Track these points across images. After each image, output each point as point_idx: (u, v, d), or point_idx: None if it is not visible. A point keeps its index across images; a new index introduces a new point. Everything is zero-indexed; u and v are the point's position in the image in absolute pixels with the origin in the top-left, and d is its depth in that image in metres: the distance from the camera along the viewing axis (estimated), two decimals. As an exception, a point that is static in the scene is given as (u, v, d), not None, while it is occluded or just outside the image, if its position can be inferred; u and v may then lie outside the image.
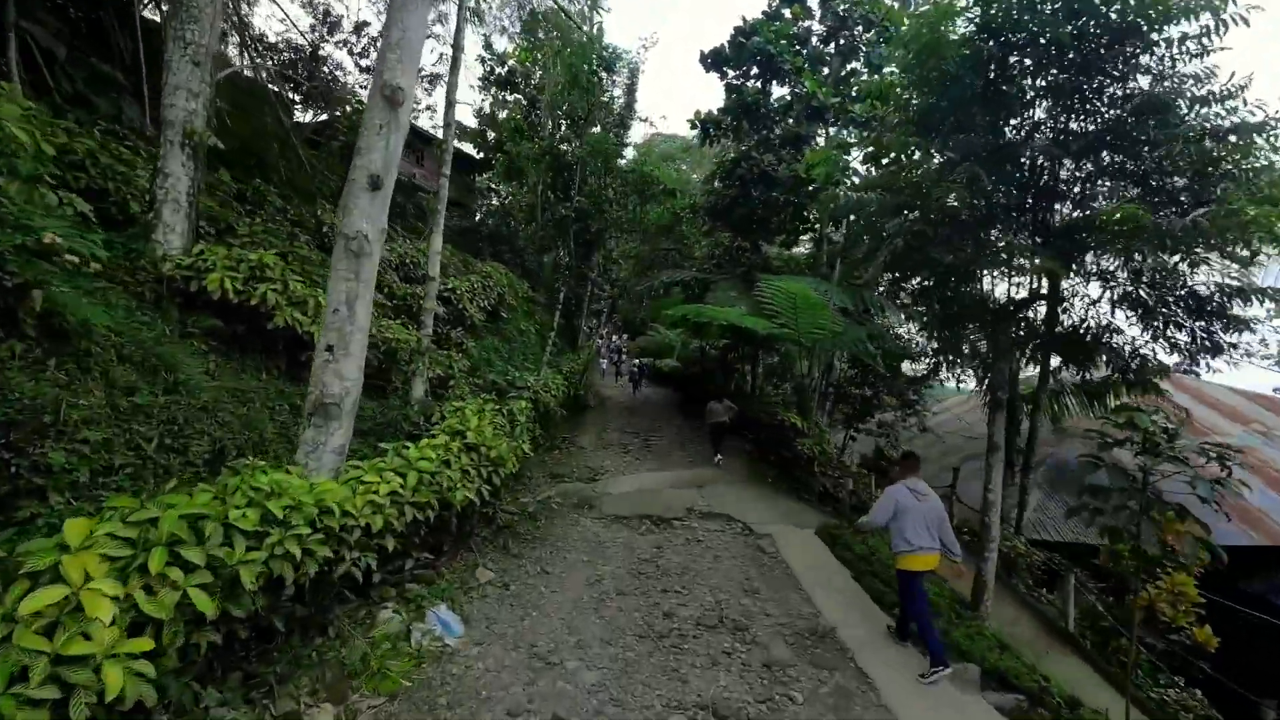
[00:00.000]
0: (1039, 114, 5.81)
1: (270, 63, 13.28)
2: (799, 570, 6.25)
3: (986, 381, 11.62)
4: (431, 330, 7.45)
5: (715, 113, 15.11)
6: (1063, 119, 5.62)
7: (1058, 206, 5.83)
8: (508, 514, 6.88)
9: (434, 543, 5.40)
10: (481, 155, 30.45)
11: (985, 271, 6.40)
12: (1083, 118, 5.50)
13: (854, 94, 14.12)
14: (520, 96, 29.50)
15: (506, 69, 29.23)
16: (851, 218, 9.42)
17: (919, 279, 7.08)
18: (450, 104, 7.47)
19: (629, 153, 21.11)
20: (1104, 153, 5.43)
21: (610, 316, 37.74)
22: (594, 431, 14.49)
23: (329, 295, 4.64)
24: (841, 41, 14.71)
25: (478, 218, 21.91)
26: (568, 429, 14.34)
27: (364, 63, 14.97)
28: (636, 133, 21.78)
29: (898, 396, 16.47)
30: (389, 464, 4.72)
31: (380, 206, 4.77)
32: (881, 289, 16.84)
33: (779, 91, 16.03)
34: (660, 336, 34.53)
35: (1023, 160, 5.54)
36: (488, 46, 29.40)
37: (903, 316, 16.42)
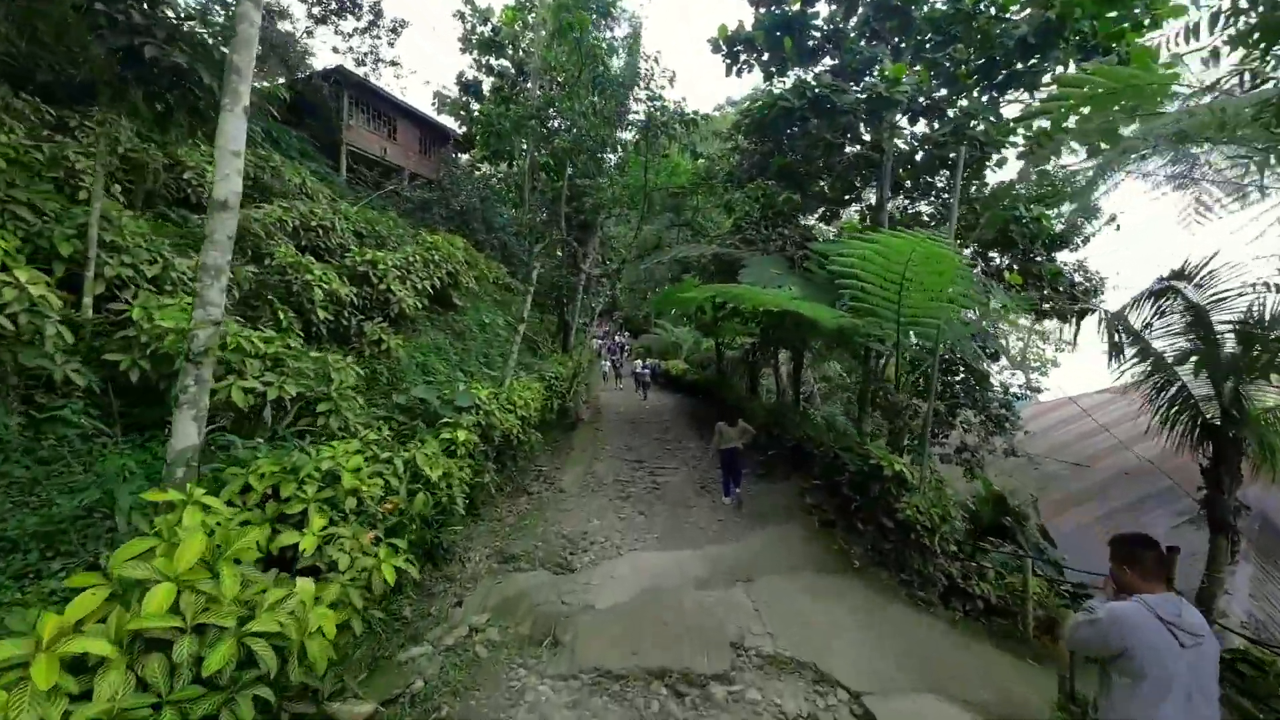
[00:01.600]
0: None
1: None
2: None
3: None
4: (221, 311, 3.64)
5: (746, 29, 11.25)
6: None
7: None
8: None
9: None
10: (464, 129, 26.75)
11: None
12: None
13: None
14: (507, 62, 25.90)
15: (491, 29, 25.61)
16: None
17: None
18: None
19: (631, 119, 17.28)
20: None
21: (611, 313, 34.09)
22: (582, 460, 10.68)
23: None
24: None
25: (444, 189, 18.09)
26: (547, 456, 10.57)
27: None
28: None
29: (983, 411, 12.60)
30: None
31: None
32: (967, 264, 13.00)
33: (825, 13, 12.20)
34: (667, 335, 30.57)
35: None
36: (468, 1, 25.71)
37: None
